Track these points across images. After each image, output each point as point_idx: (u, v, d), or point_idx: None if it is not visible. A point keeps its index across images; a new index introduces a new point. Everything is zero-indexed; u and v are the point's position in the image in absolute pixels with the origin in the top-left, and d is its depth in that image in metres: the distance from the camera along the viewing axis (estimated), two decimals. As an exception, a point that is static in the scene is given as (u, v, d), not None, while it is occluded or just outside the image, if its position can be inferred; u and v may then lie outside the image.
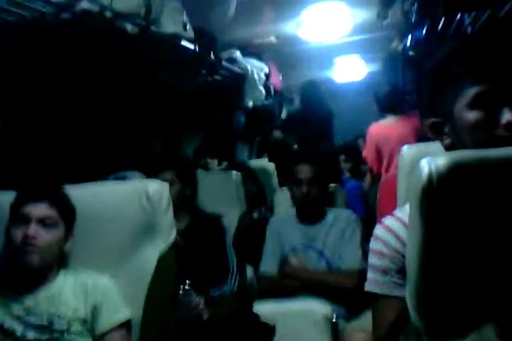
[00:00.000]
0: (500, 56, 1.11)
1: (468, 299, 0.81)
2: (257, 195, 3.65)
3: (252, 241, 2.93)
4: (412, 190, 0.82)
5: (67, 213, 1.69)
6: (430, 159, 0.80)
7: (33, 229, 1.59)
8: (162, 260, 1.69)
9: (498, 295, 0.80)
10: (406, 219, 1.12)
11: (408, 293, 0.85)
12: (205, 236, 2.47)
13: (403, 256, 1.11)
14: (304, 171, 2.69)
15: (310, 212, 2.74)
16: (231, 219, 2.88)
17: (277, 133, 6.16)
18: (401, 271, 1.13)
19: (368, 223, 2.82)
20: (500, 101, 1.08)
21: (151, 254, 1.70)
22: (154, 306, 1.68)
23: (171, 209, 1.78)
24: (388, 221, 1.21)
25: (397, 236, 1.16)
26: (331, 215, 2.71)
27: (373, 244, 1.21)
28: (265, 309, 2.36)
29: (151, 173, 2.40)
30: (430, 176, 0.78)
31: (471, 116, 1.10)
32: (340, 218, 2.69)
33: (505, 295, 0.80)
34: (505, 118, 1.06)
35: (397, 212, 1.22)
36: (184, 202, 2.43)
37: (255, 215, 3.53)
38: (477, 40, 1.23)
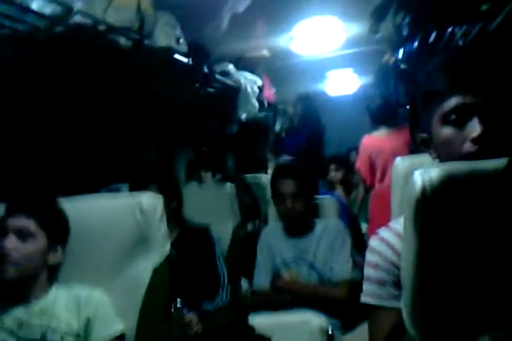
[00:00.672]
0: (474, 71, 1.12)
1: (463, 309, 0.81)
2: (251, 207, 3.65)
3: (246, 253, 2.92)
4: (406, 202, 0.83)
5: (50, 224, 1.68)
6: (423, 171, 0.81)
7: (8, 241, 1.61)
8: (156, 272, 1.69)
9: (494, 307, 0.80)
10: (401, 230, 1.13)
11: (403, 303, 0.86)
12: (194, 247, 2.47)
13: (398, 268, 1.12)
14: (287, 186, 2.69)
15: (297, 225, 2.75)
16: (225, 232, 2.88)
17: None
18: (397, 283, 1.13)
19: (352, 235, 2.82)
20: (469, 113, 1.09)
21: (145, 267, 1.69)
22: (149, 319, 1.67)
23: (165, 222, 1.78)
24: (383, 232, 1.22)
25: (392, 248, 1.17)
26: (320, 226, 2.72)
27: (369, 256, 1.21)
28: (261, 321, 2.35)
29: (135, 188, 2.42)
30: (424, 188, 0.79)
31: (443, 132, 1.13)
32: (328, 228, 2.71)
33: (501, 307, 0.80)
34: (473, 130, 1.08)
35: (392, 224, 1.23)
36: (171, 215, 2.44)
37: (249, 227, 3.52)
38: (453, 57, 1.25)
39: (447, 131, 1.12)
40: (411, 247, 0.82)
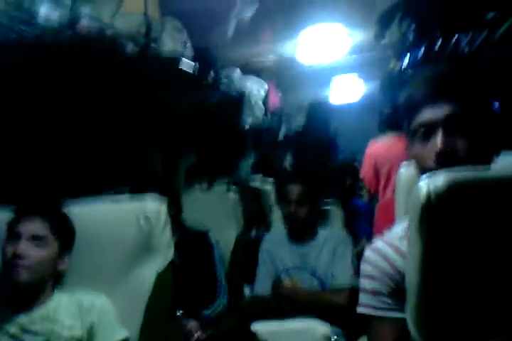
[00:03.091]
0: (445, 87, 1.13)
1: (469, 316, 0.80)
2: (256, 214, 3.64)
3: (249, 260, 2.92)
4: (411, 208, 0.82)
5: (62, 231, 1.68)
6: (429, 178, 0.80)
7: (22, 246, 1.60)
8: (160, 278, 1.69)
9: (499, 313, 0.80)
10: (394, 241, 1.14)
11: (409, 309, 0.85)
12: (193, 252, 2.47)
13: (392, 278, 1.13)
14: (293, 191, 2.71)
15: (301, 231, 2.75)
16: (229, 238, 2.88)
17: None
18: (392, 293, 1.14)
19: None
20: (435, 128, 1.10)
21: (148, 273, 1.69)
22: (152, 324, 1.67)
23: (169, 227, 1.78)
24: (377, 243, 1.22)
25: (385, 258, 1.17)
26: (323, 235, 2.73)
27: (363, 267, 1.21)
28: (264, 327, 2.34)
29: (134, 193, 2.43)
30: (429, 194, 0.79)
31: (412, 147, 1.16)
32: (331, 237, 2.71)
33: (507, 314, 0.79)
34: (434, 146, 1.08)
35: (386, 234, 1.23)
36: (170, 222, 2.44)
37: (253, 234, 3.52)
38: (428, 73, 1.24)
39: (415, 147, 1.14)
40: (416, 253, 0.81)
